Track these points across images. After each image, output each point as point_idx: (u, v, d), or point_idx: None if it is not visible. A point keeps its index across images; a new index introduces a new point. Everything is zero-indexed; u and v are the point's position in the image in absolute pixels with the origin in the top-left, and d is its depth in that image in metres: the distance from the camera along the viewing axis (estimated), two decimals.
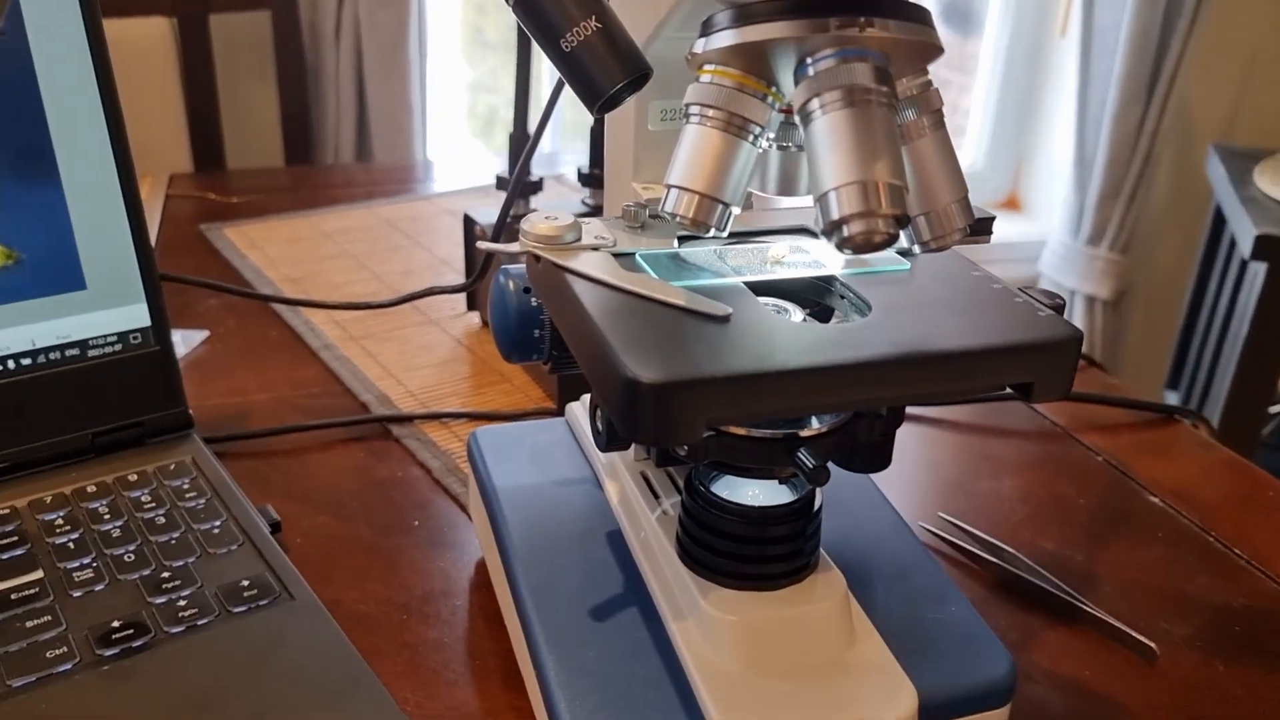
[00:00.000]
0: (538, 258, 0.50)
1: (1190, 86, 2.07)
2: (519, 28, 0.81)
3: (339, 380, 0.89)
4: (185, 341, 0.94)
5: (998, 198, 2.48)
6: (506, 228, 0.71)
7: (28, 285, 0.69)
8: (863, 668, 0.51)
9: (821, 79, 0.40)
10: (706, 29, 0.43)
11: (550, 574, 0.57)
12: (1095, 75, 2.07)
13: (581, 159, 0.94)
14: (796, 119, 0.42)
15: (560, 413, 0.76)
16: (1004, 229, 2.34)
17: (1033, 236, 2.34)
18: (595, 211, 0.90)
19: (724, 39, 0.42)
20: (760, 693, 0.48)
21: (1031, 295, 0.49)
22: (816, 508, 0.53)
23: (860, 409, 0.47)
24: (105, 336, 0.72)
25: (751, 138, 0.43)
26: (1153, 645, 0.63)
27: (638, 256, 0.50)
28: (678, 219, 0.44)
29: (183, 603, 0.60)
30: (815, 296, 0.52)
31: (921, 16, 0.42)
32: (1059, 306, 0.48)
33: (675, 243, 0.52)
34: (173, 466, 0.71)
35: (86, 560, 0.62)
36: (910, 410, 0.89)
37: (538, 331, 0.56)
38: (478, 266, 0.81)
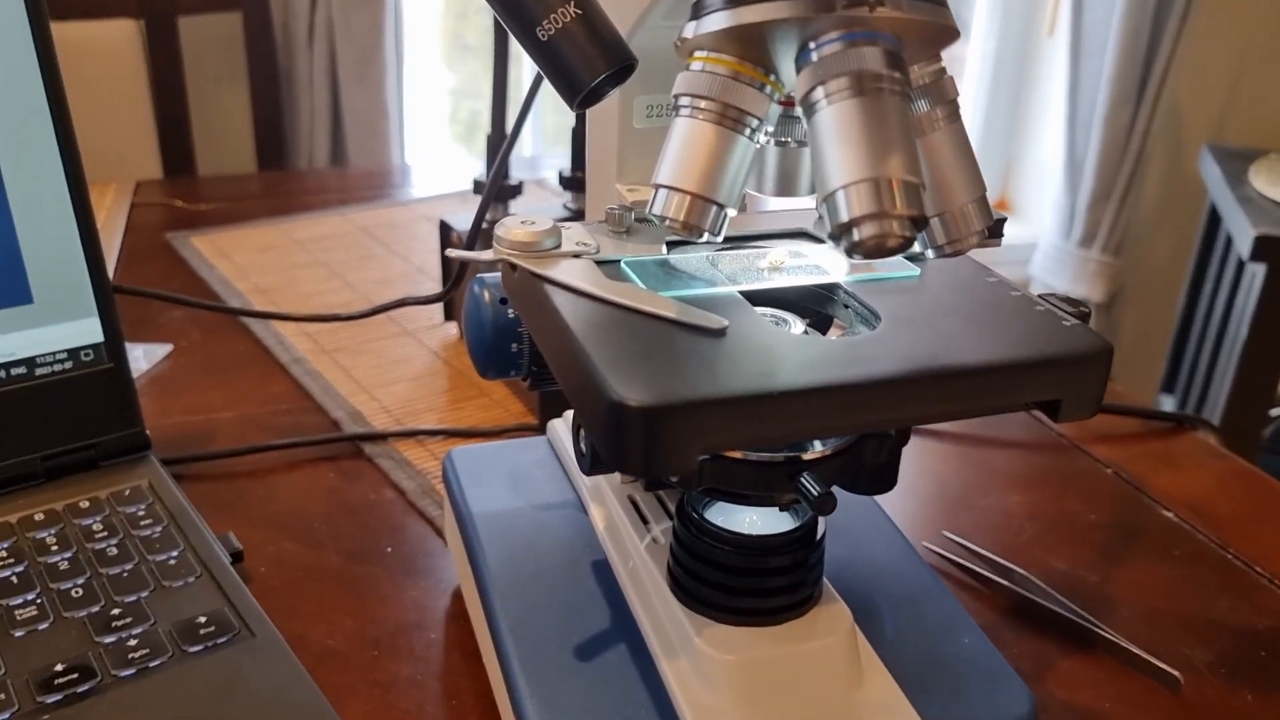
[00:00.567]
0: (514, 266, 0.46)
1: (1181, 86, 2.05)
2: (496, 22, 0.77)
3: (309, 396, 0.85)
4: (147, 356, 0.89)
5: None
6: (483, 234, 0.67)
7: None
8: (872, 709, 0.47)
9: (827, 65, 0.36)
10: (697, 11, 0.39)
11: (531, 607, 0.52)
12: (1085, 75, 2.04)
13: (564, 163, 0.90)
14: (799, 110, 0.37)
15: (542, 429, 0.71)
16: None
17: (1023, 239, 2.30)
18: (577, 216, 0.86)
19: (717, 21, 0.38)
20: None
21: (1053, 303, 0.45)
22: (820, 535, 0.48)
23: (871, 431, 0.43)
24: (54, 354, 0.67)
25: (748, 132, 0.39)
26: (1176, 673, 0.60)
27: (623, 264, 0.46)
28: (666, 222, 0.40)
29: (134, 642, 0.55)
30: (816, 306, 0.48)
31: None
32: (1084, 315, 0.44)
33: (664, 249, 0.48)
34: (127, 492, 0.66)
35: (30, 596, 0.57)
36: None
37: (516, 346, 0.52)
38: (454, 275, 0.77)
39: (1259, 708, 0.58)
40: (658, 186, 0.39)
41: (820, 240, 0.51)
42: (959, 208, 0.40)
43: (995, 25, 2.25)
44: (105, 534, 0.63)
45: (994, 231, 0.48)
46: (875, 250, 0.35)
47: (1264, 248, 1.43)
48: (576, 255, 0.46)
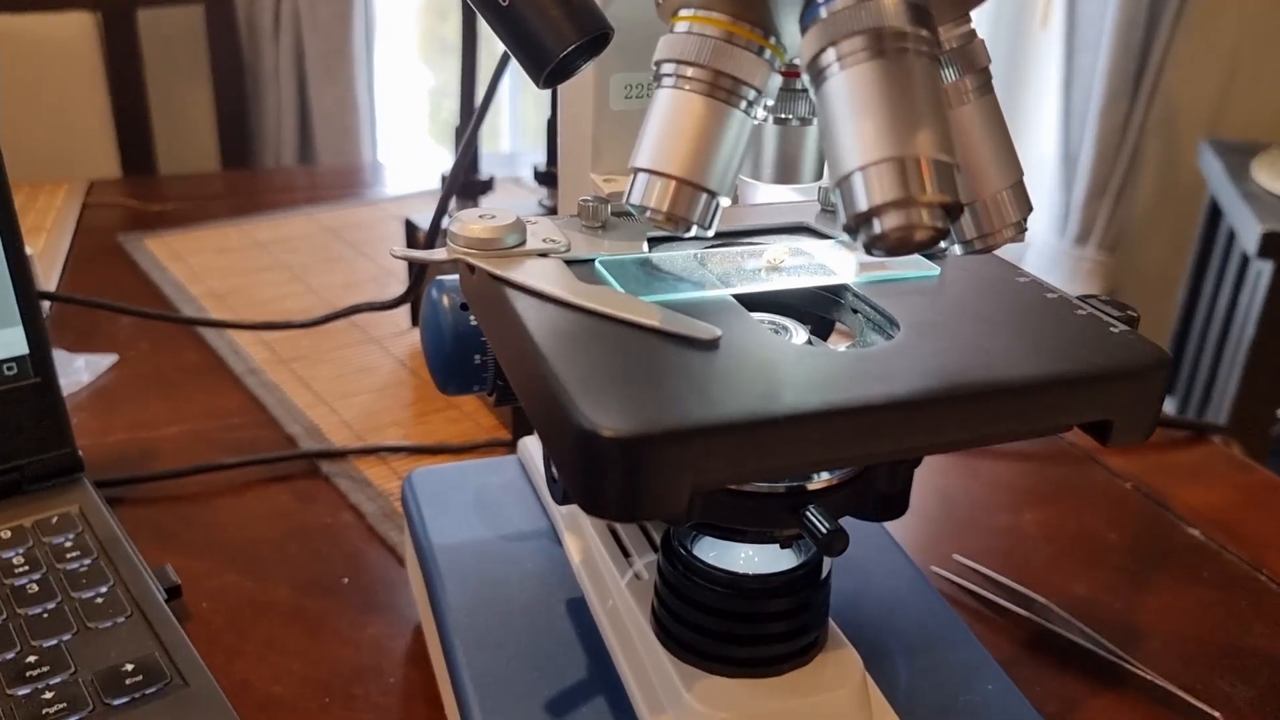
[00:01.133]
0: (472, 267, 0.39)
1: (1176, 80, 2.00)
2: (464, 2, 0.70)
3: (263, 410, 0.78)
4: (90, 368, 0.82)
5: None
6: (446, 232, 0.61)
7: None
8: None
9: (839, 22, 0.30)
10: None
11: (497, 653, 0.46)
12: (1079, 70, 1.99)
13: (542, 159, 0.83)
14: (805, 79, 0.31)
15: (516, 445, 0.65)
16: None
17: None
18: (553, 214, 0.80)
19: None
20: None
21: (1095, 306, 0.39)
22: (825, 574, 0.42)
23: (891, 460, 0.37)
24: None
25: (744, 105, 0.33)
26: (1216, 715, 0.54)
27: (597, 264, 0.40)
28: (646, 214, 0.33)
29: (49, 695, 0.49)
30: (821, 311, 0.42)
31: None
32: (1133, 319, 0.38)
33: (644, 246, 0.42)
34: (55, 520, 0.60)
35: None
36: None
37: (479, 357, 0.46)
38: (414, 278, 0.71)
39: None
40: (636, 171, 0.33)
41: (824, 235, 0.45)
42: (992, 195, 0.34)
43: (986, 17, 2.19)
44: (26, 568, 0.56)
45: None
46: (901, 245, 0.29)
47: (1273, 244, 1.37)
48: (544, 254, 0.39)
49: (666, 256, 0.41)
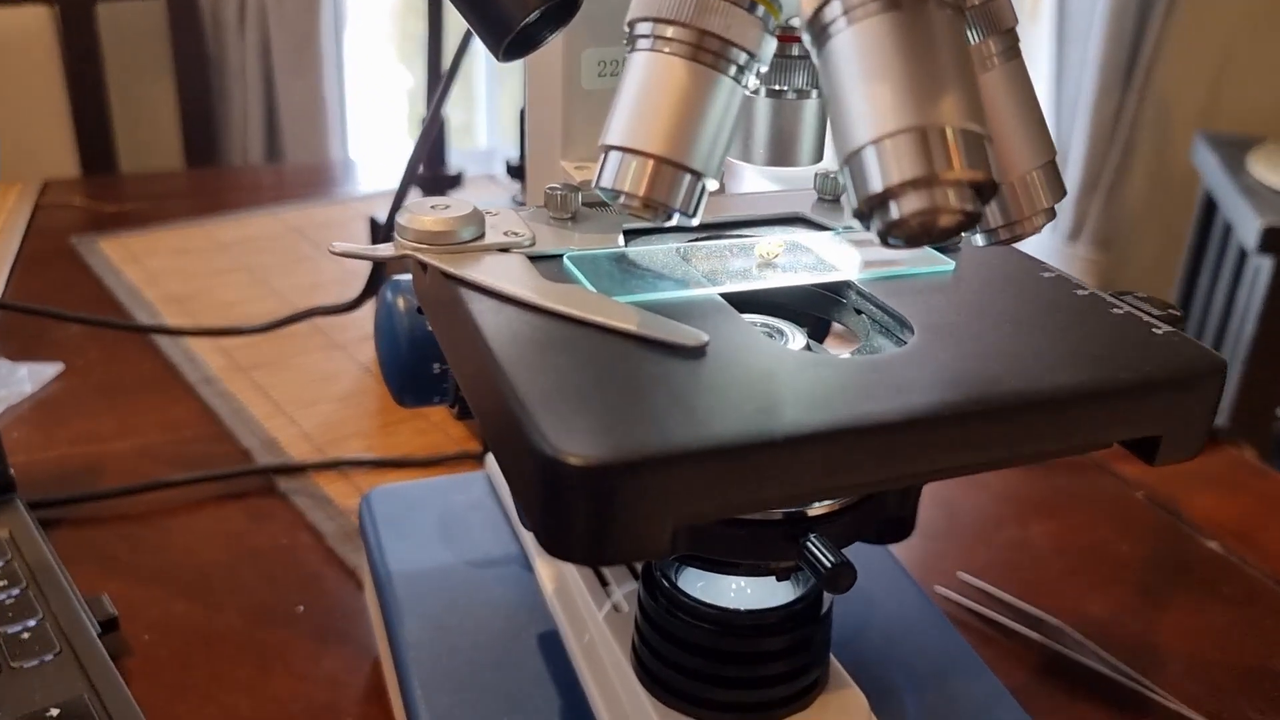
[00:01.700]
0: (424, 265, 0.35)
1: (1168, 72, 1.96)
2: None
3: (218, 422, 0.73)
4: (33, 377, 0.77)
5: None
6: None
7: None
8: None
9: None
10: None
11: (460, 695, 0.42)
12: (1069, 62, 1.96)
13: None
14: (805, 40, 0.26)
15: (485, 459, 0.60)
16: None
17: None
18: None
19: None
20: None
21: (1132, 304, 0.34)
22: (826, 608, 0.38)
23: (906, 485, 0.32)
24: None
25: (734, 70, 0.28)
26: None
27: (566, 260, 0.35)
28: (620, 200, 0.29)
29: None
30: (819, 311, 0.37)
31: None
32: (1176, 319, 0.33)
33: (620, 239, 0.37)
34: None
35: None
36: None
37: (439, 366, 0.41)
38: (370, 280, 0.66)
39: None
40: (607, 149, 0.28)
41: (823, 227, 0.40)
42: (1020, 177, 0.29)
43: None
44: None
45: None
46: (923, 232, 0.24)
47: (1273, 239, 1.33)
48: (505, 249, 0.35)
49: (645, 251, 0.37)
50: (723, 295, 0.34)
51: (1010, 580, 0.61)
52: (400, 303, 0.42)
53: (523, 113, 0.76)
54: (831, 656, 0.40)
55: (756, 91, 0.33)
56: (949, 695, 0.43)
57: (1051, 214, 0.30)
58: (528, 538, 0.47)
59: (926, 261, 0.36)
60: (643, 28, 0.28)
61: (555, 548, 0.25)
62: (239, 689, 0.51)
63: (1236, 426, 1.43)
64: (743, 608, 0.37)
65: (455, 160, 0.99)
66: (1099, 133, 1.94)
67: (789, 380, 0.28)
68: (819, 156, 0.35)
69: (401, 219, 0.34)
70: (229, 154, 1.52)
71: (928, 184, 0.24)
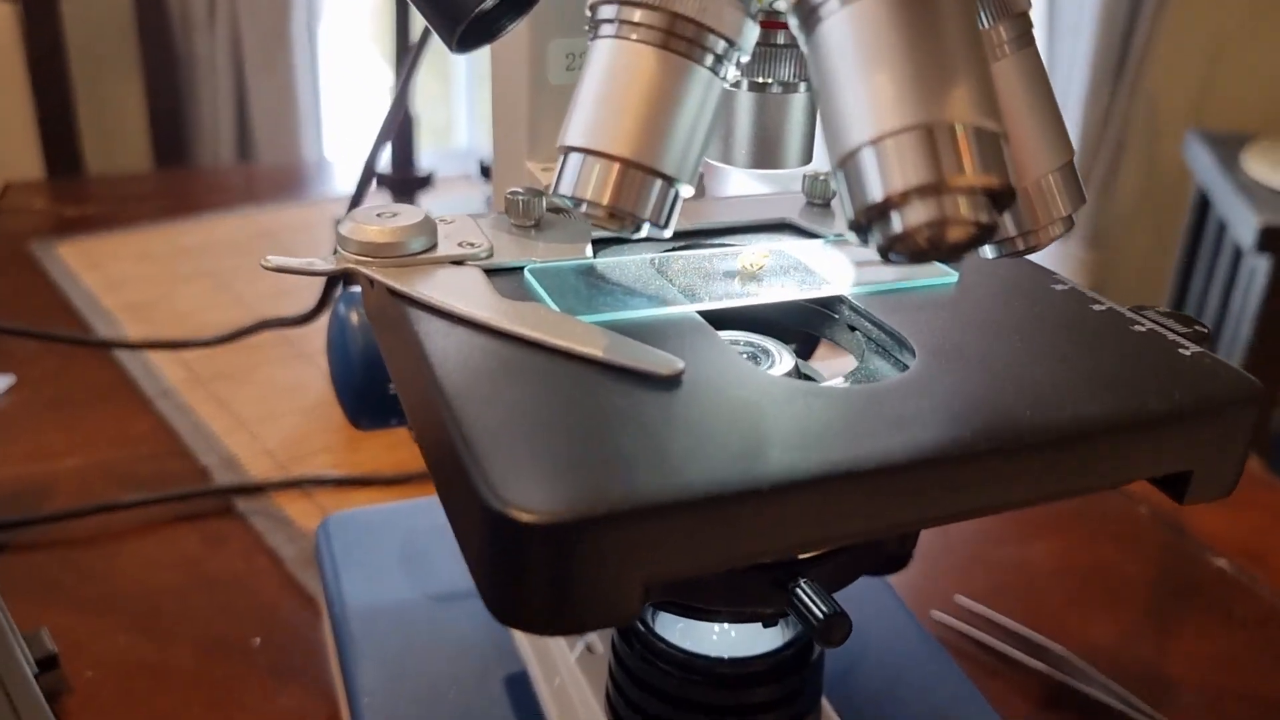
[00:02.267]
0: (370, 280, 0.31)
1: (1159, 69, 1.93)
2: None
3: (176, 437, 0.69)
4: None
5: None
6: None
7: None
8: None
9: None
10: None
11: None
12: (1059, 58, 1.93)
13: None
14: (792, 25, 0.23)
15: None
16: None
17: None
18: None
19: None
20: None
21: (1154, 319, 0.31)
22: (818, 654, 0.34)
23: (911, 529, 0.29)
24: None
25: (711, 60, 0.25)
26: None
27: (527, 273, 0.32)
28: (583, 208, 0.25)
29: None
30: (807, 326, 0.34)
31: None
32: (1203, 335, 0.30)
33: (588, 249, 0.33)
34: None
35: None
36: None
37: (395, 386, 0.38)
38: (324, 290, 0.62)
39: None
40: (567, 150, 0.25)
41: (812, 234, 0.36)
42: (1035, 181, 0.26)
43: None
44: None
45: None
46: (931, 247, 0.21)
47: (1270, 238, 1.30)
48: (459, 261, 0.31)
49: (615, 263, 0.33)
50: (701, 313, 0.30)
51: (1010, 603, 0.57)
52: (354, 317, 0.39)
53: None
54: (825, 701, 0.37)
55: (737, 84, 0.30)
56: None
57: (1070, 223, 0.27)
58: None
59: (927, 273, 0.33)
60: (606, 11, 0.25)
61: (505, 615, 0.22)
62: None
63: None
64: (726, 655, 0.33)
65: (429, 160, 0.95)
66: (1090, 130, 1.91)
67: (777, 415, 0.25)
68: (808, 158, 0.31)
69: (344, 229, 0.31)
70: (199, 154, 1.48)
71: (935, 191, 0.20)
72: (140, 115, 1.43)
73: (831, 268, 0.34)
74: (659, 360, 0.26)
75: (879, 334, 0.31)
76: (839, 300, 0.32)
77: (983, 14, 0.26)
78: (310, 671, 0.51)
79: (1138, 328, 0.30)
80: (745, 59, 0.25)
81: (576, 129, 0.24)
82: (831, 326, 0.33)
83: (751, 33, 0.25)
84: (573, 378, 0.26)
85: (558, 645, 0.39)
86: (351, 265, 0.30)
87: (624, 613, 0.22)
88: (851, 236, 0.28)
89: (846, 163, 0.21)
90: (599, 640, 0.39)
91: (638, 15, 0.24)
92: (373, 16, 1.88)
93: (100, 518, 0.61)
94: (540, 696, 0.39)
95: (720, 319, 0.31)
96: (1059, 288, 0.32)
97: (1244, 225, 1.36)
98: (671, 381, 0.26)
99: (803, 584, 0.28)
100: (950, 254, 0.21)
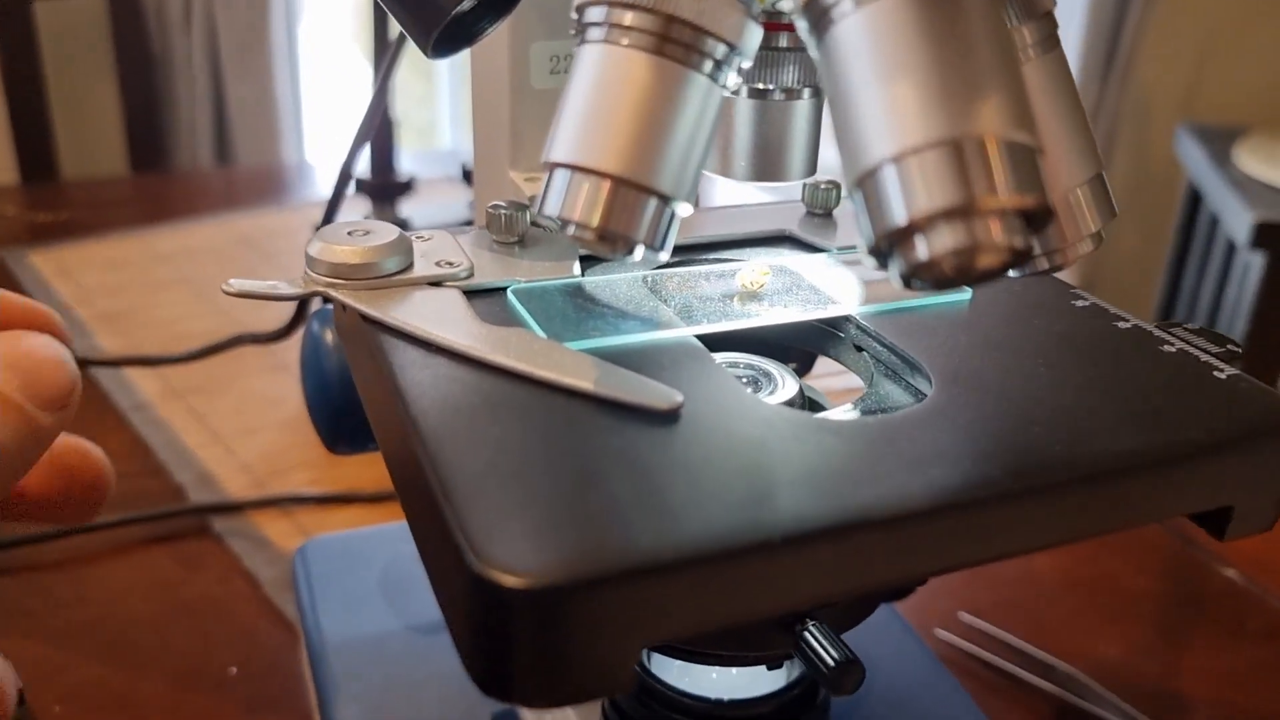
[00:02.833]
0: (343, 304, 0.29)
1: (1149, 62, 1.92)
2: None
3: (150, 453, 0.67)
4: None
5: None
6: None
7: None
8: None
9: None
10: None
11: None
12: None
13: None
14: (800, 29, 0.21)
15: None
16: None
17: None
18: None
19: None
20: None
21: (1183, 337, 0.29)
22: (821, 698, 0.32)
23: (931, 576, 0.27)
24: None
25: (709, 67, 0.22)
26: None
27: (510, 295, 0.29)
28: (571, 230, 0.23)
29: None
30: (810, 345, 0.32)
31: None
32: (1235, 355, 0.28)
33: (576, 266, 0.31)
34: None
35: None
36: None
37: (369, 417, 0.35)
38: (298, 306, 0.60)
39: None
40: (553, 167, 0.23)
41: (813, 247, 0.34)
42: (1063, 195, 0.24)
43: None
44: None
45: None
46: (959, 275, 0.19)
47: (1265, 235, 1.29)
48: (436, 282, 0.29)
49: (605, 282, 0.31)
50: (699, 337, 0.28)
51: (1015, 620, 0.55)
52: (329, 336, 0.37)
53: None
54: None
55: (737, 92, 0.28)
56: None
57: (1099, 239, 0.25)
58: None
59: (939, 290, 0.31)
60: (594, 14, 0.22)
61: (490, 687, 0.19)
62: None
63: None
64: (726, 697, 0.31)
65: (412, 162, 0.93)
66: None
67: (785, 454, 0.23)
68: (812, 169, 0.29)
69: (312, 249, 0.29)
70: (177, 158, 1.45)
71: (965, 215, 0.18)
72: (116, 118, 1.40)
73: (836, 284, 0.32)
74: (656, 394, 0.24)
75: (889, 356, 0.29)
76: (847, 320, 0.30)
77: (1007, 14, 0.24)
78: (288, 702, 0.49)
79: (1167, 348, 0.28)
80: (746, 64, 0.23)
81: (563, 143, 0.22)
82: (837, 345, 0.31)
83: (754, 36, 0.23)
84: (561, 413, 0.24)
85: None
86: (320, 289, 0.28)
87: (621, 682, 0.20)
88: (856, 249, 0.26)
89: (865, 182, 0.19)
90: None
91: (629, 18, 0.22)
92: (354, 14, 1.86)
93: (69, 540, 0.59)
94: None
95: (715, 339, 0.28)
96: (1080, 304, 0.30)
97: (1237, 221, 1.35)
98: (669, 416, 0.24)
99: (811, 627, 0.26)
100: (979, 280, 0.19)
